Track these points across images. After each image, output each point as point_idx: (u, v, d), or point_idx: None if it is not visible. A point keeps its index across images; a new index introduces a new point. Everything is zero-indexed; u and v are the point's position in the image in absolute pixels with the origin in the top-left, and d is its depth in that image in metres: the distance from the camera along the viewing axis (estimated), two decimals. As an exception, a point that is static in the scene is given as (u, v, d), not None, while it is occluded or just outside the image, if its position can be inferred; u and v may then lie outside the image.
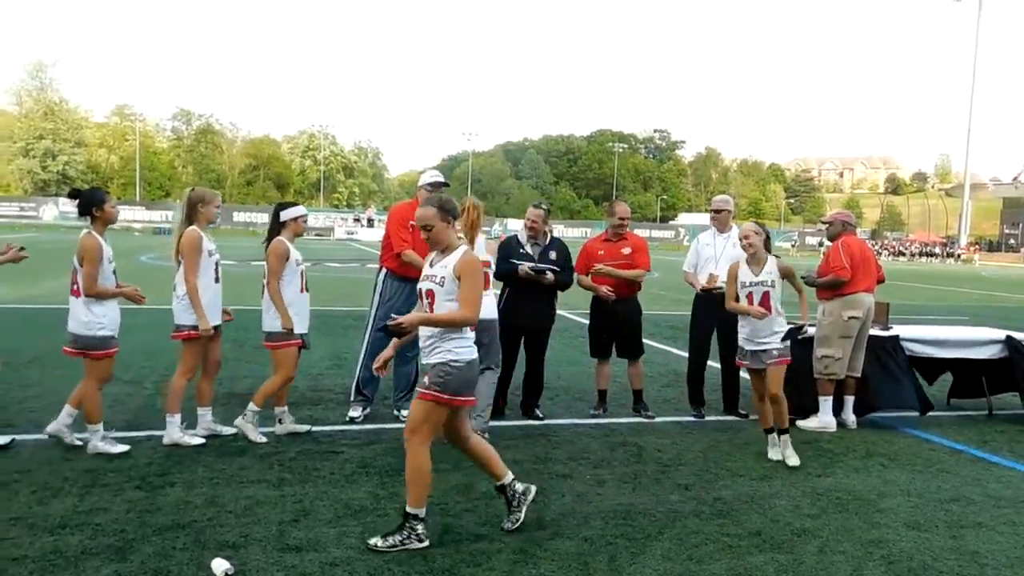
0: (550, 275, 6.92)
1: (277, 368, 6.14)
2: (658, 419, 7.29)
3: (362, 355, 6.90)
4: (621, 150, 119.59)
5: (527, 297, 6.95)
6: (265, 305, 6.15)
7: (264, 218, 74.52)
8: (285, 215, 6.20)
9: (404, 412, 6.88)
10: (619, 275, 7.29)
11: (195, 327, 5.83)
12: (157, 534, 4.22)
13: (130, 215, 67.22)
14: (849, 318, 7.13)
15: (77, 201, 5.65)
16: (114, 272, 5.69)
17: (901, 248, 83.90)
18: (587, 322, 7.63)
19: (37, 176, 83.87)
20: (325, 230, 62.79)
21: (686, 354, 7.78)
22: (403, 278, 6.77)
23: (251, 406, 6.07)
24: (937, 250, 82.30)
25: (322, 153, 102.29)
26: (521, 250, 7.09)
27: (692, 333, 7.68)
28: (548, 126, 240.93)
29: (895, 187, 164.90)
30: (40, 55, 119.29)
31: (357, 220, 60.34)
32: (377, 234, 46.45)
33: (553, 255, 7.07)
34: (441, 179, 6.94)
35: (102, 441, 5.59)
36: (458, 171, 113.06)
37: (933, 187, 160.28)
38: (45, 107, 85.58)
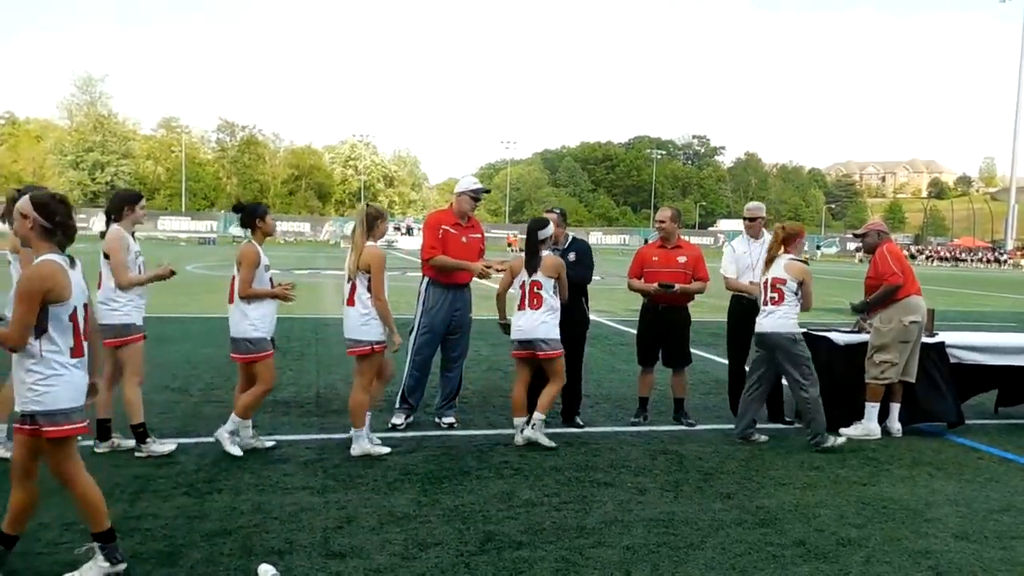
0: None
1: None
2: (699, 427, 7.25)
3: (407, 363, 6.95)
4: (659, 156, 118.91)
5: None
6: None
7: (306, 227, 75.57)
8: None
9: (445, 420, 6.94)
10: (687, 290, 7.29)
11: (377, 343, 5.86)
12: (205, 540, 4.30)
13: (176, 225, 68.49)
14: (910, 322, 7.02)
15: (240, 214, 5.97)
16: (270, 280, 5.96)
17: (944, 253, 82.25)
18: (627, 330, 7.61)
19: (87, 187, 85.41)
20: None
21: (727, 361, 7.72)
22: (446, 286, 6.83)
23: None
24: (979, 254, 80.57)
25: (363, 163, 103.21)
26: None
27: (729, 339, 7.65)
28: (586, 133, 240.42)
29: (939, 191, 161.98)
30: (90, 70, 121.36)
31: (397, 228, 60.62)
32: (416, 242, 46.85)
33: (572, 256, 7.08)
34: (483, 186, 7.17)
35: (253, 439, 5.95)
36: (496, 179, 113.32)
37: (978, 191, 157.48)
38: (95, 120, 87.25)
